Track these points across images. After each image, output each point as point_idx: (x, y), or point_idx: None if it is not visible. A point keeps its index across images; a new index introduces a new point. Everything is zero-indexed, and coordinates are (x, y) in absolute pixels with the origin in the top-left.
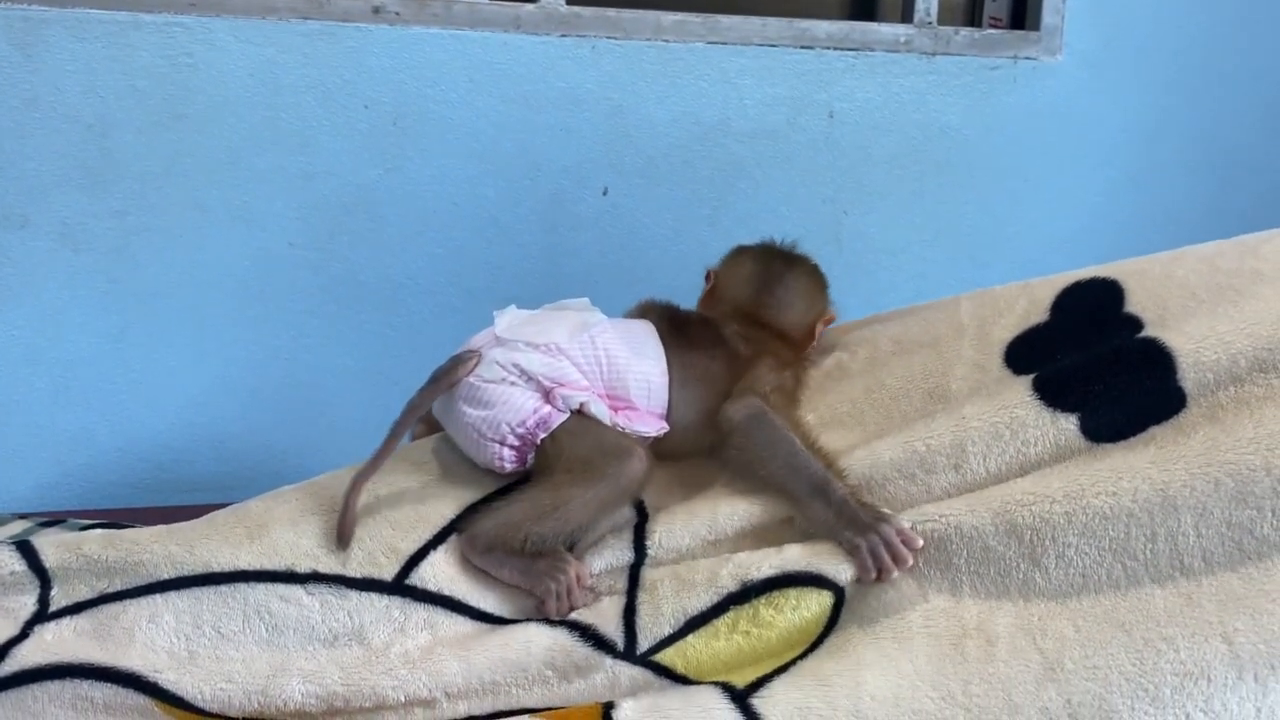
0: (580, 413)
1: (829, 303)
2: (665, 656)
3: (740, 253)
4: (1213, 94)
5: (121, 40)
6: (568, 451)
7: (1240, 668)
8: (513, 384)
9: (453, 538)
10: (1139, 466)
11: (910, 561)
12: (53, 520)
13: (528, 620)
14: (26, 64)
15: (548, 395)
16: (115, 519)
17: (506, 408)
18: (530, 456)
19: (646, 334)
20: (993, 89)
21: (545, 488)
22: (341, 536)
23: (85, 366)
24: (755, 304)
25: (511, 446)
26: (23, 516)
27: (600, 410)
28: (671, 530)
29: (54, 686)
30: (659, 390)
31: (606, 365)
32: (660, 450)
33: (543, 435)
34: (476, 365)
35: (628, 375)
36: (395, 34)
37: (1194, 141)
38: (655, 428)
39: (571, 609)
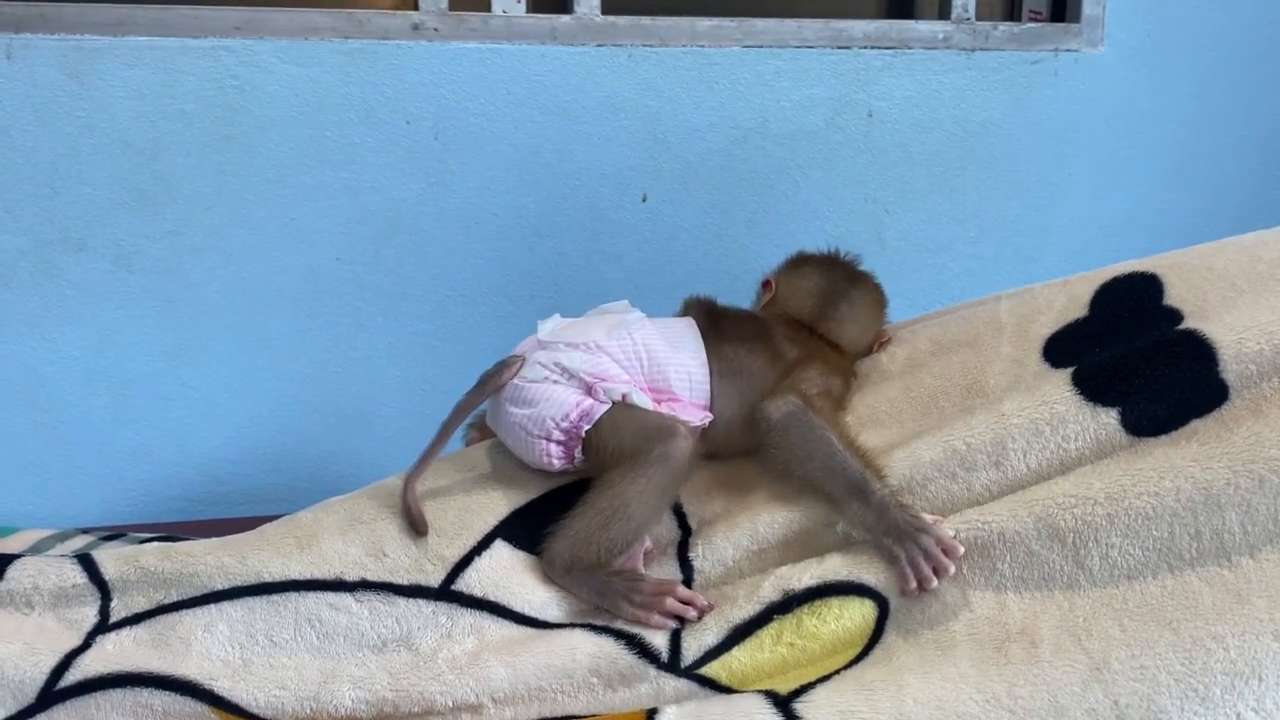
0: (622, 403)
1: (886, 322)
2: (710, 669)
3: (802, 263)
4: (1259, 81)
5: (170, 66)
6: (612, 442)
7: None
8: (555, 382)
9: (498, 543)
10: (1180, 465)
11: (952, 570)
12: (113, 535)
13: (573, 625)
14: (81, 92)
15: (590, 390)
16: (174, 532)
17: (550, 404)
18: (577, 452)
19: (685, 329)
20: (1034, 83)
21: (602, 492)
22: (416, 528)
23: (143, 384)
24: (815, 317)
25: (558, 442)
26: (85, 531)
27: (643, 400)
28: (713, 543)
29: (115, 695)
30: (700, 381)
31: (646, 359)
32: (706, 447)
33: (586, 427)
34: (520, 368)
35: (668, 368)
36: (434, 50)
37: (1241, 130)
38: (699, 417)
39: (670, 614)
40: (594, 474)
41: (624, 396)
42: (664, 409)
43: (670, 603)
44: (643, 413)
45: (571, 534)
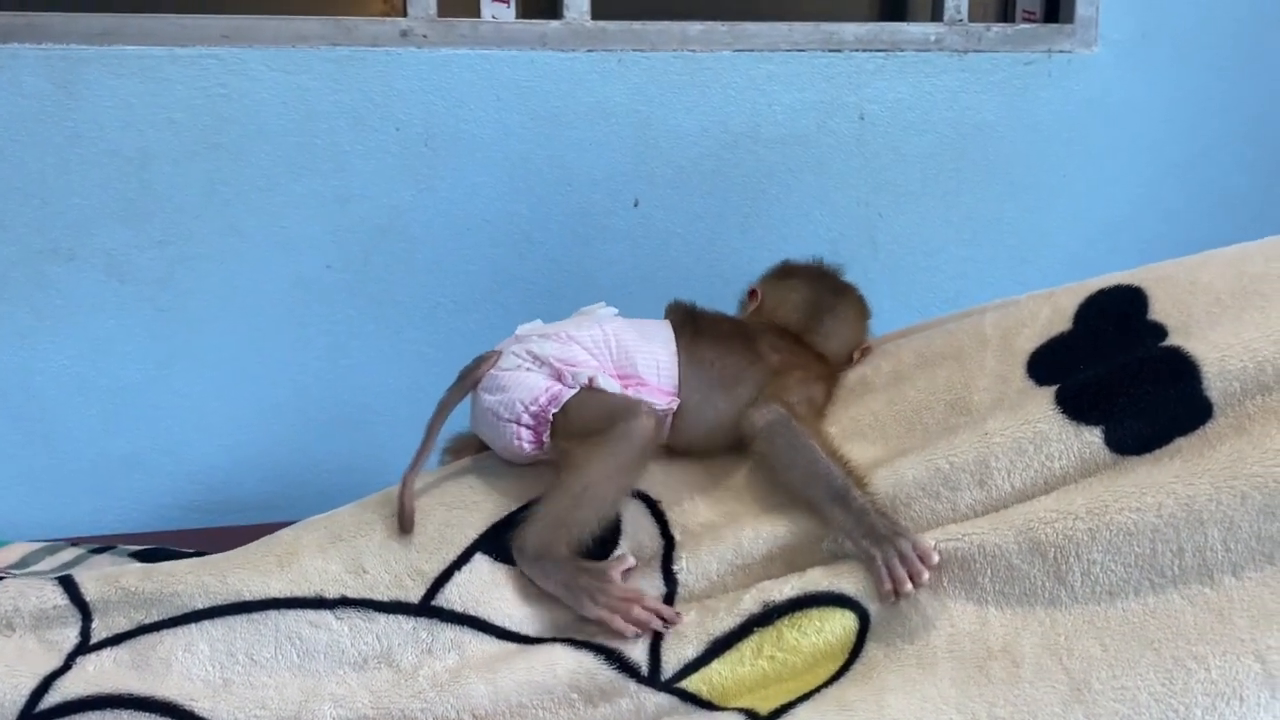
0: (590, 387)
1: (869, 332)
2: (691, 683)
3: (788, 274)
4: (1256, 80)
5: (158, 75)
6: (577, 421)
7: (1274, 687)
8: (527, 369)
9: (477, 556)
10: (1163, 481)
11: (926, 577)
12: (103, 546)
13: (554, 641)
14: (68, 102)
15: (559, 376)
16: (167, 541)
17: (520, 389)
18: (546, 436)
19: (658, 326)
20: (1027, 84)
21: (568, 474)
22: (403, 525)
23: (134, 393)
24: (802, 327)
25: (527, 426)
26: (74, 543)
27: (610, 384)
28: (698, 557)
29: (95, 717)
30: (668, 369)
31: (615, 348)
32: (676, 441)
33: (554, 410)
34: (497, 360)
35: (636, 355)
36: (423, 56)
37: (1238, 129)
38: (666, 401)
39: (637, 622)
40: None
41: (590, 380)
42: (631, 391)
43: (638, 611)
44: (608, 395)
45: (541, 518)
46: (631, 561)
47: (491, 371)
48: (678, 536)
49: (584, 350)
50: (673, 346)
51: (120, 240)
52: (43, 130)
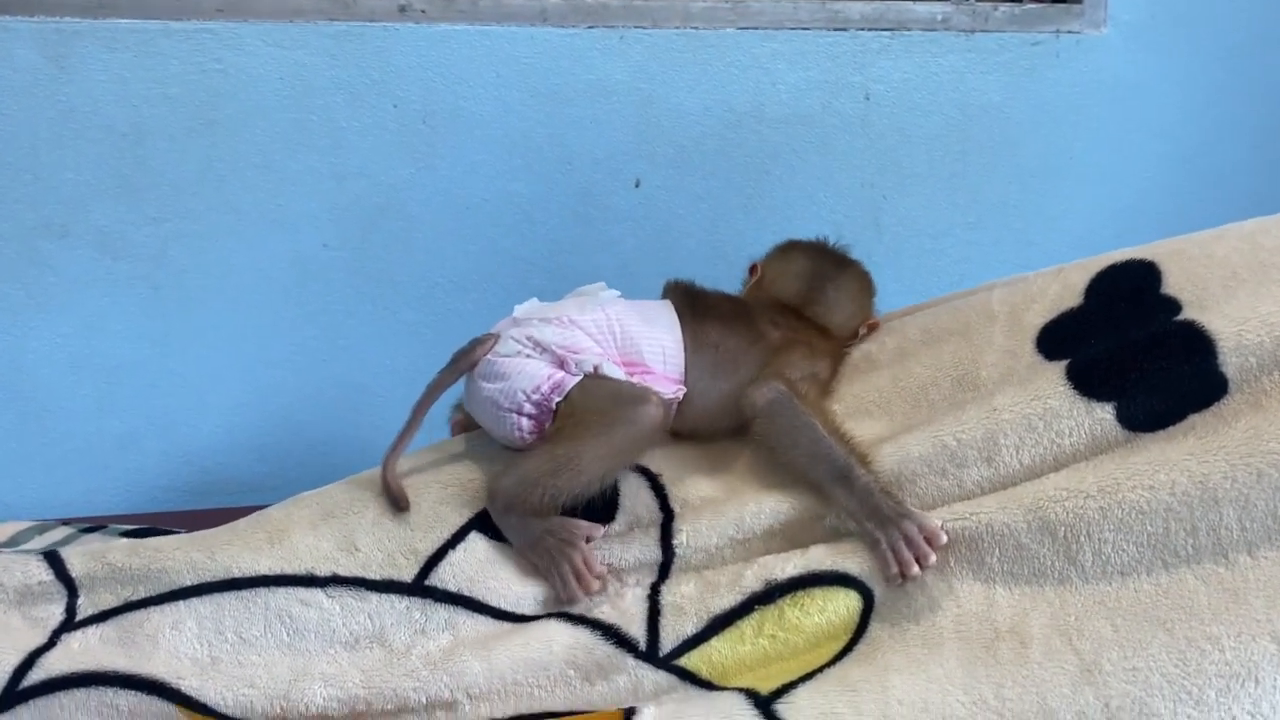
0: (594, 374)
1: (874, 309)
2: (689, 661)
3: (791, 248)
4: (1266, 62)
5: (152, 49)
6: (581, 406)
7: None
8: (528, 356)
9: (473, 535)
10: (1176, 458)
11: (933, 559)
12: (94, 526)
13: (549, 617)
14: (61, 76)
15: (562, 363)
16: (161, 522)
17: (521, 376)
18: (548, 425)
19: (661, 308)
20: (1035, 65)
21: (560, 441)
22: (396, 505)
23: (128, 372)
24: (803, 299)
25: (528, 415)
26: (66, 522)
27: (615, 372)
28: (698, 529)
29: (80, 694)
30: (674, 355)
31: (620, 333)
32: (681, 425)
33: (558, 399)
34: (494, 344)
35: (641, 341)
36: (422, 32)
37: (1248, 112)
38: (672, 390)
39: (586, 593)
40: None
41: (595, 368)
42: (636, 379)
43: (580, 592)
44: (616, 382)
45: (520, 473)
46: (600, 531)
47: (489, 357)
48: (677, 509)
49: (587, 336)
50: (678, 331)
51: (114, 217)
52: (35, 104)
